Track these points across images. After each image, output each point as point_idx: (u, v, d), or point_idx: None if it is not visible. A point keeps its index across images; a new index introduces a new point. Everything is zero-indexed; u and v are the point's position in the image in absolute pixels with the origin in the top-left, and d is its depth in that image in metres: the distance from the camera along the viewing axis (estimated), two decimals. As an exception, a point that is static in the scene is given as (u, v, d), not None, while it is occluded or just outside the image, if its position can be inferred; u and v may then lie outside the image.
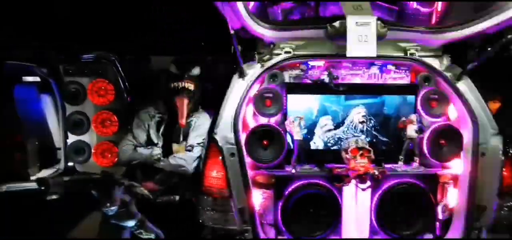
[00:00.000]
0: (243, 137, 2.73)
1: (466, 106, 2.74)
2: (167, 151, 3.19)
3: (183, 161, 2.99)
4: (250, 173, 2.71)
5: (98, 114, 3.73)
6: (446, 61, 2.84)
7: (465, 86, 2.78)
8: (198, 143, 3.05)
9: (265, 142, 2.77)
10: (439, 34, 2.74)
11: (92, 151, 3.71)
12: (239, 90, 2.73)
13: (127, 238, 2.91)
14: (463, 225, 2.71)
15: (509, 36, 2.40)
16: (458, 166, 2.84)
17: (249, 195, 2.61)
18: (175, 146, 3.13)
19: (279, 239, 2.82)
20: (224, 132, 2.68)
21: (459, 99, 2.77)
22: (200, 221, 2.75)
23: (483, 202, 2.65)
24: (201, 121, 3.10)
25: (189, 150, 3.10)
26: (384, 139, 2.97)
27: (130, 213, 2.82)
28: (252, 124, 2.89)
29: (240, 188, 2.64)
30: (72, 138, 3.73)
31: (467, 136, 2.77)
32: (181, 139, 3.18)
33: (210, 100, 3.09)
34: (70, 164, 3.61)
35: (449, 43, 2.77)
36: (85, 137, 3.75)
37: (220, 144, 2.66)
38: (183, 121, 3.00)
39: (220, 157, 2.65)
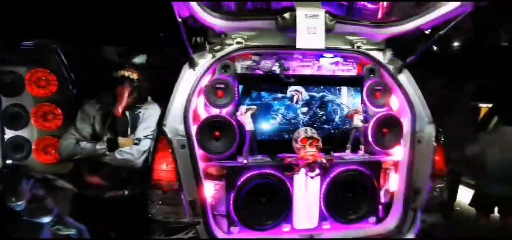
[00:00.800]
0: (194, 128, 2.68)
1: (405, 97, 2.90)
2: (116, 145, 3.01)
3: (129, 156, 2.85)
4: (201, 165, 2.67)
5: (38, 106, 3.44)
6: (389, 54, 2.99)
7: (405, 78, 2.94)
8: (145, 136, 2.91)
9: (216, 133, 2.73)
10: (383, 29, 2.87)
11: (33, 147, 3.42)
12: (189, 80, 2.67)
13: (46, 238, 2.68)
14: (402, 207, 2.88)
15: (442, 32, 2.57)
16: (399, 152, 2.99)
17: (200, 187, 2.56)
18: (121, 140, 2.95)
19: (231, 230, 2.80)
20: (173, 124, 2.60)
21: (400, 90, 2.93)
22: (150, 215, 2.64)
23: (418, 185, 2.81)
24: (150, 112, 2.96)
25: (136, 144, 2.95)
26: (333, 128, 3.06)
27: (44, 208, 2.57)
28: (203, 115, 2.84)
29: (190, 180, 2.59)
30: (9, 134, 3.41)
31: (406, 125, 2.92)
32: (129, 132, 3.02)
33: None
34: (9, 161, 3.27)
35: (391, 37, 2.92)
36: (23, 132, 3.44)
37: (169, 136, 2.58)
38: (119, 110, 2.85)
39: (170, 150, 2.56)
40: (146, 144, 2.96)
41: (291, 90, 2.93)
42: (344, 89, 3.06)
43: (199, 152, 2.67)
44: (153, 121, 2.89)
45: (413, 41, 2.95)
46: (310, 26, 2.62)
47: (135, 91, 3.00)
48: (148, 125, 3.01)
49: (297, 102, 2.97)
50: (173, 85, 2.68)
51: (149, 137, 2.99)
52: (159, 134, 2.61)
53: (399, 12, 2.91)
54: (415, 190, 2.82)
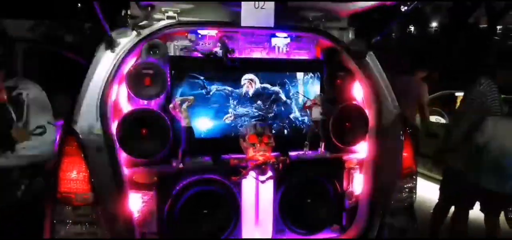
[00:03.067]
0: (114, 126, 2.48)
1: (371, 85, 2.88)
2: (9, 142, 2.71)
3: (36, 150, 2.65)
4: (124, 171, 2.50)
5: None
6: (351, 34, 2.94)
7: (370, 61, 2.91)
8: (49, 122, 2.76)
9: (143, 131, 2.55)
10: (345, 3, 2.85)
11: None
12: (107, 65, 2.45)
13: None
14: (368, 211, 2.87)
15: (407, 8, 2.61)
16: (364, 149, 3.00)
17: (124, 199, 2.46)
18: (14, 132, 2.66)
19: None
20: (86, 120, 2.37)
21: (364, 77, 2.90)
22: (56, 238, 2.41)
23: (386, 186, 2.83)
24: (35, 93, 2.71)
25: (39, 134, 2.71)
26: (288, 123, 3.02)
27: None
28: (126, 109, 2.63)
29: (110, 191, 2.39)
30: None
31: (372, 117, 2.92)
32: (15, 120, 2.71)
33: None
34: None
35: (355, 13, 2.90)
36: None
37: (81, 136, 2.34)
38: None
39: (82, 153, 2.34)
40: (52, 132, 2.76)
41: (244, 79, 2.87)
42: (300, 75, 3.01)
43: (121, 155, 2.50)
44: (44, 103, 2.75)
45: (380, 19, 2.97)
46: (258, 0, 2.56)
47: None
48: (43, 106, 2.78)
49: (247, 94, 2.90)
50: (87, 70, 2.47)
51: (52, 123, 2.77)
52: (67, 134, 2.39)
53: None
54: (383, 192, 2.84)
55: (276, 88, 2.99)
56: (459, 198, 3.60)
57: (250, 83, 2.91)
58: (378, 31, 2.83)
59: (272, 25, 2.56)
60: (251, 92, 2.92)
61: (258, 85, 2.94)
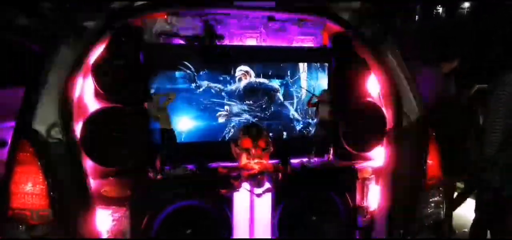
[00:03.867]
0: (78, 128, 2.45)
1: (389, 78, 2.85)
2: None
3: None
4: (91, 183, 2.47)
5: None
6: (367, 16, 2.86)
7: (389, 50, 2.87)
8: None
9: (114, 134, 2.53)
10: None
11: None
12: (70, 54, 2.40)
13: None
14: (385, 231, 2.85)
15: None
16: (380, 156, 2.98)
17: (90, 217, 2.44)
18: None
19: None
20: (43, 121, 2.31)
21: (381, 68, 2.87)
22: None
23: (407, 199, 2.81)
24: None
25: None
26: (289, 124, 3.01)
27: None
28: (93, 107, 2.59)
29: (73, 207, 2.36)
30: None
31: (390, 117, 2.90)
32: None
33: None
34: None
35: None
36: None
37: (37, 140, 2.30)
38: None
39: (38, 161, 2.29)
40: None
41: (239, 70, 2.87)
42: (304, 67, 3.02)
43: (87, 163, 2.46)
44: None
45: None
46: (255, -26, 2.53)
47: None
48: None
49: (239, 89, 2.90)
50: (44, 60, 2.39)
51: None
52: (19, 137, 2.34)
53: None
54: (403, 206, 2.83)
55: (275, 83, 2.99)
56: (500, 216, 3.55)
57: (245, 76, 2.91)
58: (398, 12, 2.81)
59: (273, 4, 2.54)
60: (244, 86, 2.92)
61: (253, 78, 2.92)
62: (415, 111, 2.85)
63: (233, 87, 2.88)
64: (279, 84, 2.97)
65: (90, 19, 2.49)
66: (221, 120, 2.89)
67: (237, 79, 2.88)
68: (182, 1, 2.63)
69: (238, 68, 2.86)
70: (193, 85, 2.82)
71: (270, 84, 2.95)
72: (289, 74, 2.99)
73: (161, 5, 2.60)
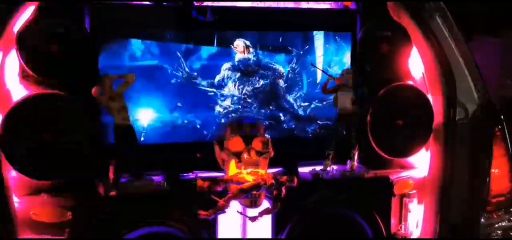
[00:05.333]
0: None
1: (438, 53, 2.86)
2: None
3: None
4: (16, 201, 2.49)
5: None
6: None
7: (438, 16, 2.87)
8: None
9: (47, 133, 2.51)
10: None
11: None
12: None
13: None
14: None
15: None
16: (425, 163, 2.99)
17: None
18: None
19: None
20: None
21: (427, 40, 2.88)
22: None
23: (463, 224, 2.81)
24: None
25: None
26: (296, 119, 3.05)
27: None
28: (18, 95, 2.56)
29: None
30: None
31: (438, 108, 2.90)
32: None
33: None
34: None
35: None
36: None
37: None
38: None
39: None
40: None
41: (239, 42, 2.91)
42: (318, 37, 3.02)
43: (10, 173, 2.47)
44: None
45: None
46: None
47: None
48: None
49: (231, 71, 2.92)
50: None
51: None
52: None
53: None
54: (458, 235, 2.85)
55: (277, 59, 3.00)
56: None
57: (245, 50, 2.96)
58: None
59: None
60: (235, 65, 2.95)
61: (247, 55, 2.97)
62: (474, 99, 2.87)
63: (221, 67, 2.94)
64: (283, 61, 2.99)
65: None
66: (199, 113, 2.90)
67: (234, 54, 2.94)
68: None
69: (237, 41, 2.91)
70: (160, 63, 2.83)
71: (270, 60, 2.96)
72: (296, 47, 2.99)
73: None
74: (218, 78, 2.95)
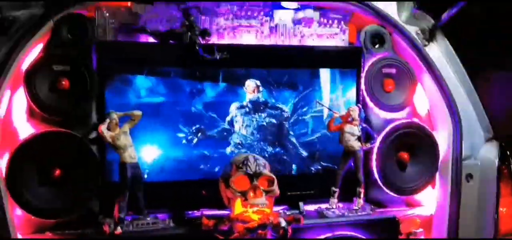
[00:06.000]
0: (3, 162, 2.45)
1: (442, 90, 2.87)
2: None
3: None
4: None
5: None
6: (408, 4, 2.93)
7: (441, 52, 2.92)
8: None
9: (56, 171, 2.52)
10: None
11: None
12: None
13: None
14: None
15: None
16: (432, 201, 2.99)
17: None
18: None
19: None
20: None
21: (431, 76, 2.90)
22: None
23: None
24: None
25: None
26: (300, 154, 3.04)
27: None
28: (24, 133, 2.57)
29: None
30: None
31: (444, 145, 2.91)
32: None
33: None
34: None
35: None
36: None
37: None
38: None
39: None
40: None
41: (250, 83, 2.93)
42: (323, 74, 3.03)
43: (14, 211, 2.46)
44: None
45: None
46: None
47: None
48: None
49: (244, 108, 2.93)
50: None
51: None
52: None
53: None
54: None
55: (282, 95, 3.01)
56: None
57: (256, 90, 2.98)
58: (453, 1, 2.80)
59: None
60: (242, 105, 2.96)
61: (255, 95, 3.00)
62: (480, 134, 2.89)
63: (230, 108, 2.99)
64: (288, 97, 3.01)
65: (22, 6, 2.52)
66: (205, 151, 2.91)
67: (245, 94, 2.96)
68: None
69: (249, 81, 2.96)
70: (166, 100, 2.84)
71: (275, 97, 2.98)
72: (301, 84, 3.00)
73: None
74: (227, 118, 2.97)
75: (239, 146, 2.97)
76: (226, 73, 2.92)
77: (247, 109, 2.98)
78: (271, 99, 3.00)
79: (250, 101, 2.97)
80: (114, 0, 2.70)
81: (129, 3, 2.75)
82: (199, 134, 2.91)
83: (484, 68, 3.18)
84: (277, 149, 3.03)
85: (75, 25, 2.62)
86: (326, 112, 3.04)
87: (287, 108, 3.03)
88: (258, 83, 2.96)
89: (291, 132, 3.05)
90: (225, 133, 2.96)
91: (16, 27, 2.47)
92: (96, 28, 2.69)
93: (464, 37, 3.07)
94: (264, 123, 3.00)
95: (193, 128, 2.90)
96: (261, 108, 2.99)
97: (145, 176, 2.80)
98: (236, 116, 2.97)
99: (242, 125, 2.98)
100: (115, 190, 2.63)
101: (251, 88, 2.96)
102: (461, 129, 2.85)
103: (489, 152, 2.87)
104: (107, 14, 2.74)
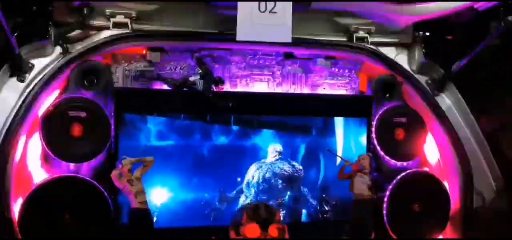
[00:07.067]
0: (16, 207, 2.46)
1: (452, 139, 2.89)
2: None
3: None
4: None
5: None
6: (418, 55, 2.96)
7: (451, 101, 2.94)
8: None
9: (67, 217, 2.53)
10: (407, 6, 2.84)
11: None
12: (10, 101, 2.48)
13: None
14: None
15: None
16: None
17: None
18: None
19: None
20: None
21: (441, 126, 2.92)
22: None
23: None
24: None
25: None
26: (310, 202, 3.02)
27: None
28: (39, 177, 2.60)
29: None
30: None
31: (456, 194, 2.91)
32: None
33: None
34: None
35: (423, 22, 2.91)
36: None
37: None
38: None
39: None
40: None
41: (271, 148, 3.00)
42: (334, 122, 3.07)
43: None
44: None
45: (465, 33, 2.97)
46: (265, -2, 2.55)
47: None
48: None
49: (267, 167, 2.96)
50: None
51: None
52: None
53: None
54: None
55: (292, 144, 3.03)
56: None
57: (273, 152, 3.06)
58: (462, 50, 2.83)
59: (288, 39, 2.55)
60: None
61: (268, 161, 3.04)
62: (492, 186, 2.88)
63: (233, 152, 2.96)
64: (298, 145, 3.04)
65: (42, 54, 2.57)
66: (217, 197, 2.95)
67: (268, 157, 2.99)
68: (166, 33, 2.67)
69: (272, 147, 3.03)
70: (178, 147, 2.86)
71: (285, 145, 3.00)
72: (312, 131, 3.03)
73: (137, 36, 2.65)
74: (247, 179, 3.01)
75: (250, 194, 3.00)
76: (239, 119, 2.96)
77: (265, 169, 3.02)
78: (285, 150, 3.03)
79: (270, 164, 3.01)
80: (130, 47, 2.72)
81: (144, 51, 2.80)
82: (222, 201, 2.95)
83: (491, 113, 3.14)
84: (288, 196, 3.04)
85: (91, 72, 2.66)
86: (338, 160, 3.03)
87: (299, 164, 3.06)
88: (280, 149, 3.02)
89: (302, 181, 3.06)
90: (236, 179, 2.99)
91: (34, 74, 2.53)
92: (112, 75, 2.74)
93: (472, 84, 3.05)
94: (278, 174, 3.03)
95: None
96: (277, 164, 3.03)
97: (154, 219, 2.80)
98: (253, 177, 3.01)
99: (258, 180, 3.01)
100: (126, 235, 2.56)
101: (272, 155, 3.00)
102: (472, 180, 2.85)
103: (502, 203, 2.86)
104: (123, 62, 2.79)
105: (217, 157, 2.93)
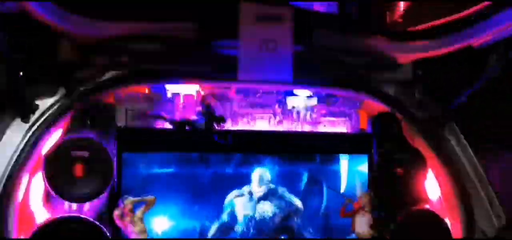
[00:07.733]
0: None
1: (453, 175, 2.88)
2: None
3: None
4: None
5: None
6: (419, 92, 2.97)
7: (452, 139, 2.94)
8: None
9: None
10: (407, 44, 2.88)
11: None
12: (14, 141, 2.49)
13: None
14: None
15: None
16: None
17: None
18: None
19: None
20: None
21: (442, 164, 2.91)
22: None
23: None
24: None
25: None
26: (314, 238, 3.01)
27: None
28: (40, 217, 2.60)
29: None
30: None
31: (457, 231, 2.86)
32: None
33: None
34: None
35: (423, 60, 2.91)
36: None
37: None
38: None
39: None
40: None
41: (256, 172, 2.98)
42: (335, 160, 3.08)
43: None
44: None
45: (464, 70, 2.98)
46: (267, 38, 2.59)
47: None
48: None
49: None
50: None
51: None
52: None
53: (435, 15, 2.98)
54: None
55: (293, 182, 3.03)
56: None
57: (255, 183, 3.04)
58: (461, 86, 2.84)
59: (289, 78, 2.59)
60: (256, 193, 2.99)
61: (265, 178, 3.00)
62: (493, 223, 2.86)
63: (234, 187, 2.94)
64: (299, 183, 3.05)
65: (44, 94, 2.58)
66: (219, 234, 2.94)
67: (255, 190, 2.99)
68: (169, 73, 2.69)
69: (256, 172, 2.99)
70: (180, 186, 2.88)
71: (288, 183, 2.98)
72: (313, 169, 3.04)
73: (140, 77, 2.68)
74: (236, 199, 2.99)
75: (249, 232, 2.99)
76: (241, 159, 2.98)
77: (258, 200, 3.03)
78: (283, 187, 3.04)
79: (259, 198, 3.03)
80: (133, 87, 2.76)
81: (147, 90, 2.83)
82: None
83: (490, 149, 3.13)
84: (287, 232, 3.05)
85: (94, 111, 2.67)
86: (345, 200, 3.03)
87: (300, 187, 3.06)
88: (269, 177, 3.03)
89: (300, 220, 3.06)
90: (236, 218, 2.99)
91: (38, 114, 2.54)
92: (114, 114, 2.75)
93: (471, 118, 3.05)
94: (281, 210, 3.03)
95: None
96: (268, 193, 3.04)
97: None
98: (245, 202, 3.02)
99: (252, 211, 3.01)
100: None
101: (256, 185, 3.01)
102: (474, 218, 2.84)
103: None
104: (126, 101, 2.80)
105: (217, 198, 2.97)
